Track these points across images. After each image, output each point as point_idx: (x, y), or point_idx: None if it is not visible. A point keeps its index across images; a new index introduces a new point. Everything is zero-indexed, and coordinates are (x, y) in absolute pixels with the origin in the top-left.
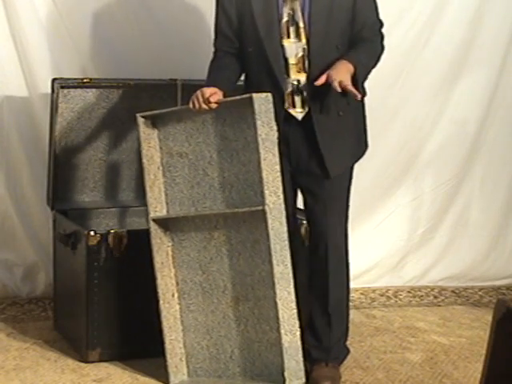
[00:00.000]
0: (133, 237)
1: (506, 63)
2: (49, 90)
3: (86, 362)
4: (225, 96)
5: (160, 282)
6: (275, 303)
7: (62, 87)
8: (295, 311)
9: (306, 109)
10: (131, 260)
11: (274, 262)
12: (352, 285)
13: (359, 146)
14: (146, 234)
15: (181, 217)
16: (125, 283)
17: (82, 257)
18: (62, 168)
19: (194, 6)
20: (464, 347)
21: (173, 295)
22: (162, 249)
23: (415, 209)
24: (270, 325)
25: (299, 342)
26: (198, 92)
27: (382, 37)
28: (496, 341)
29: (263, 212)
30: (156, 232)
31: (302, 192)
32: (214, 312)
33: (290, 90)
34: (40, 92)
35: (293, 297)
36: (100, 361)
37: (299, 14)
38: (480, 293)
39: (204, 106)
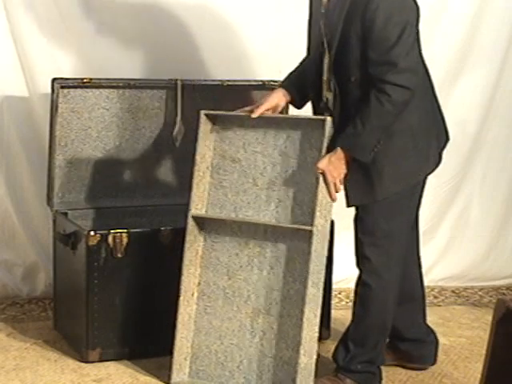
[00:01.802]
0: (133, 237)
1: (505, 63)
2: (49, 90)
3: (86, 362)
4: (292, 100)
5: (184, 279)
6: (302, 323)
7: (62, 87)
8: (317, 335)
9: None
10: (131, 260)
11: (310, 283)
12: (352, 285)
13: (404, 175)
14: (146, 234)
15: (220, 219)
16: (125, 283)
17: (82, 257)
18: (62, 168)
19: (194, 6)
20: (464, 347)
21: (192, 294)
22: (194, 247)
23: None
24: (287, 343)
25: (314, 365)
26: (264, 100)
27: (391, 83)
28: (496, 341)
29: (310, 233)
30: (192, 229)
31: None
32: (231, 319)
33: (321, 105)
34: (40, 92)
35: (317, 320)
36: (100, 361)
37: (324, 33)
38: (480, 293)
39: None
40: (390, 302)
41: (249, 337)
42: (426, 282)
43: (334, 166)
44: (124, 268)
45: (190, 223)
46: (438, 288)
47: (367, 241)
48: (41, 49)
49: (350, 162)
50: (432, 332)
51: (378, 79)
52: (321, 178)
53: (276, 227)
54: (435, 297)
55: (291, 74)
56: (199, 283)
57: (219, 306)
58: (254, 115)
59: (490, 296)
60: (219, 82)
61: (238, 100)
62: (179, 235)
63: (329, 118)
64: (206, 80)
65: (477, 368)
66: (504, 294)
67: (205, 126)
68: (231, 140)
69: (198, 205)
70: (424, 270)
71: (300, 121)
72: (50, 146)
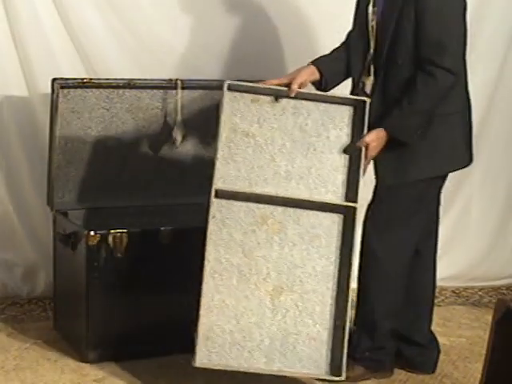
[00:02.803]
0: (133, 237)
1: (505, 64)
2: (49, 90)
3: (86, 362)
4: (319, 80)
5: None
6: (346, 298)
7: (62, 87)
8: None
9: None
10: (131, 260)
11: (352, 258)
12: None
13: (439, 161)
14: (146, 234)
15: (234, 192)
16: (125, 283)
17: (82, 257)
18: (62, 168)
19: (194, 6)
20: (464, 347)
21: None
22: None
23: None
24: (313, 318)
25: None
26: (295, 73)
27: (438, 66)
28: (496, 341)
29: (354, 210)
30: (210, 204)
31: None
32: (248, 298)
33: (357, 90)
34: (40, 92)
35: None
36: (100, 361)
37: (371, 18)
38: (480, 293)
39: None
40: (395, 295)
41: (269, 315)
42: None
43: (378, 143)
44: (124, 268)
45: (212, 198)
46: (438, 288)
47: (373, 232)
48: (41, 49)
49: (388, 144)
50: (435, 339)
51: (426, 60)
52: (364, 159)
53: (301, 201)
54: (435, 297)
55: (323, 56)
56: (208, 261)
57: (233, 284)
58: (291, 94)
59: (490, 296)
60: (219, 82)
61: None
62: (179, 235)
63: (368, 100)
64: (205, 80)
65: (477, 368)
66: (504, 293)
67: (225, 96)
68: (243, 114)
69: (215, 179)
70: None
71: (335, 99)
72: (50, 146)
